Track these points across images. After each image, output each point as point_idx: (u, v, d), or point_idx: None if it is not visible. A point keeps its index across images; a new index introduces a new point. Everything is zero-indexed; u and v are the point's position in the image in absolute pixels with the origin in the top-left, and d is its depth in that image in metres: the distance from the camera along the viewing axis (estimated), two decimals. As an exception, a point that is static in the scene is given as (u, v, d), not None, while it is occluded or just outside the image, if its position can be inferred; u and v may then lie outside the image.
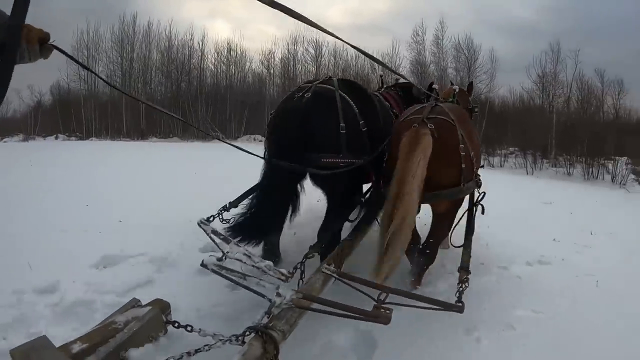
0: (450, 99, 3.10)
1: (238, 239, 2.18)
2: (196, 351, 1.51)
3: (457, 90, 3.26)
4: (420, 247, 2.49)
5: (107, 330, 1.54)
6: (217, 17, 42.00)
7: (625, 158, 14.35)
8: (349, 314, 1.55)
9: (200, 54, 23.22)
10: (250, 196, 2.48)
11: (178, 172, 7.26)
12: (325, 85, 2.40)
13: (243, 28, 43.80)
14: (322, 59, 23.54)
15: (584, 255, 3.57)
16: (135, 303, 1.76)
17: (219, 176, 6.00)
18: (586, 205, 7.20)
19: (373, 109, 2.56)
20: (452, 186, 2.29)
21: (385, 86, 3.61)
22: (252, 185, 2.59)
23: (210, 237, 2.16)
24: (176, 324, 1.69)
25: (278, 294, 1.59)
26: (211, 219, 2.39)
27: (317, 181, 2.46)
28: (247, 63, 24.08)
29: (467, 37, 21.40)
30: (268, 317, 1.54)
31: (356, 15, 36.82)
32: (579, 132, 15.17)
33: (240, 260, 1.95)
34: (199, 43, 23.06)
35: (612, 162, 14.02)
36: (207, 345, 1.53)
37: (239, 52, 23.73)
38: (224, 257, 1.97)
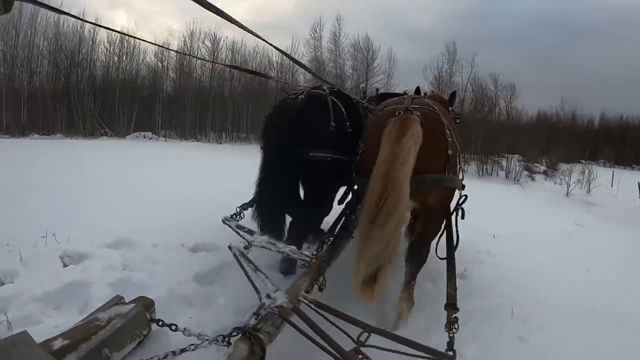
0: None
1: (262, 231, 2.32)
2: (182, 350, 1.49)
3: (427, 94, 3.20)
4: (409, 247, 2.29)
5: (89, 327, 1.48)
6: (119, 7, 40.16)
7: (517, 155, 15.56)
8: (325, 346, 1.43)
9: (90, 43, 20.89)
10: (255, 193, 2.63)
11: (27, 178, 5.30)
12: (317, 91, 2.65)
13: (145, 20, 40.71)
14: (220, 54, 22.82)
15: (489, 270, 3.09)
16: (118, 300, 1.70)
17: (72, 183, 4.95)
18: (484, 203, 6.33)
19: (358, 114, 2.79)
20: (437, 171, 2.10)
21: (367, 97, 3.78)
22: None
23: (236, 231, 2.25)
24: (160, 322, 1.65)
25: (268, 296, 1.60)
26: (234, 216, 2.53)
27: (304, 176, 2.60)
28: (141, 55, 22.33)
29: (366, 37, 22.04)
30: (256, 319, 1.54)
31: (261, 14, 37.24)
32: (473, 131, 16.35)
33: (265, 247, 2.02)
34: (89, 31, 20.54)
35: (505, 159, 15.03)
36: (192, 344, 1.52)
37: (132, 44, 21.69)
38: (249, 246, 2.06)
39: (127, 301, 1.72)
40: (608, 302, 2.63)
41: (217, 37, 22.71)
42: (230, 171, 6.95)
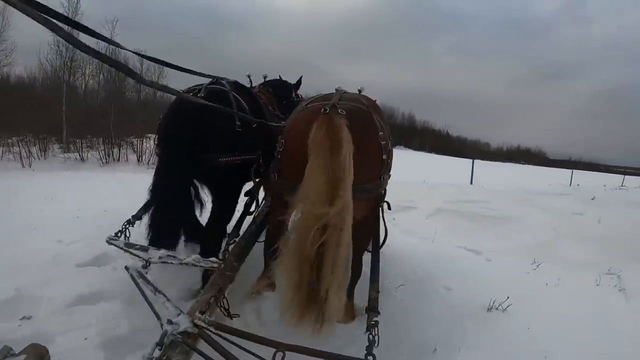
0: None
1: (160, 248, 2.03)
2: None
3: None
4: None
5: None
6: None
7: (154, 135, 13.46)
8: None
9: None
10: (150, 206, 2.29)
11: None
12: (216, 86, 2.42)
13: None
14: None
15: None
16: (7, 352, 1.54)
17: None
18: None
19: (260, 107, 2.70)
20: (373, 180, 1.93)
21: (256, 85, 3.56)
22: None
23: (126, 250, 2.01)
24: (59, 371, 1.52)
25: (169, 322, 1.49)
26: (119, 234, 2.26)
27: (210, 182, 2.46)
28: None
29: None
30: (160, 349, 1.44)
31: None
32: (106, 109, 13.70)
33: (167, 262, 1.84)
34: None
35: (137, 140, 12.62)
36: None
37: None
38: (147, 264, 1.84)
39: (17, 352, 1.54)
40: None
41: None
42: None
